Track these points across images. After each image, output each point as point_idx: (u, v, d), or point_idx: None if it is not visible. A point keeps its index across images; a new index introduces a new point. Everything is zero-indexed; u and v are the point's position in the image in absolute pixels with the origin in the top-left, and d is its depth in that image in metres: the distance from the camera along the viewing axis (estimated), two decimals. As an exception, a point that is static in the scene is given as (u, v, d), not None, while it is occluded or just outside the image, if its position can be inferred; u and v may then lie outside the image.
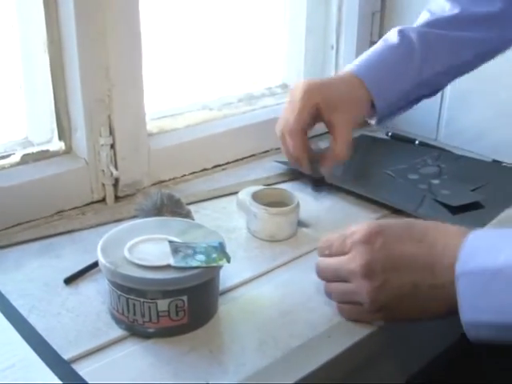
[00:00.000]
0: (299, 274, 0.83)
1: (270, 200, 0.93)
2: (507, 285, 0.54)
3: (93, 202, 1.00)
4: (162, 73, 1.21)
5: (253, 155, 1.22)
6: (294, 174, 1.13)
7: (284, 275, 0.83)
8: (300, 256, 0.88)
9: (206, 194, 1.04)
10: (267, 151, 1.24)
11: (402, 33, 1.01)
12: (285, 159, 1.17)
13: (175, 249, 0.70)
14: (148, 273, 0.67)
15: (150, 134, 1.07)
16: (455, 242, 0.60)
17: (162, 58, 1.21)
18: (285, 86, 1.41)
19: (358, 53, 1.35)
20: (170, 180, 1.09)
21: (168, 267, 0.68)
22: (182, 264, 0.67)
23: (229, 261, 0.70)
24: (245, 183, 1.08)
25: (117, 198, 1.02)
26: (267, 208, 0.89)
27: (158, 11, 1.17)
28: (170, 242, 0.72)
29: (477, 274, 0.56)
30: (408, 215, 0.97)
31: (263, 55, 1.41)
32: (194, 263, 0.68)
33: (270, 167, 1.17)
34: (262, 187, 0.98)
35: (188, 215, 0.89)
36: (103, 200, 1.01)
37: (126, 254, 0.70)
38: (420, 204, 1.02)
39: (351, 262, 0.67)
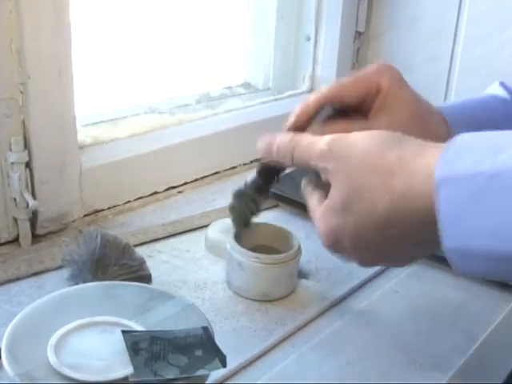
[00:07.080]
0: (310, 355, 0.56)
1: (258, 241, 0.66)
2: (509, 194, 0.37)
3: (0, 244, 0.72)
4: (99, 65, 0.95)
5: (216, 173, 0.96)
6: (274, 199, 0.85)
7: (286, 359, 0.56)
8: (306, 324, 0.61)
9: (161, 229, 0.76)
10: (234, 167, 0.99)
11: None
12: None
13: (134, 345, 0.42)
14: (89, 395, 0.39)
15: (82, 147, 0.80)
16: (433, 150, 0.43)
17: (101, 47, 0.94)
18: (248, 86, 1.15)
19: (342, 46, 1.11)
20: (108, 209, 0.83)
21: (125, 382, 0.39)
22: (148, 376, 0.39)
23: (224, 363, 0.42)
24: (211, 213, 0.81)
25: (35, 238, 0.75)
26: (260, 256, 0.61)
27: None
28: (125, 332, 0.43)
29: (465, 180, 0.39)
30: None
31: (222, 47, 1.16)
32: (169, 373, 0.40)
33: (240, 189, 0.90)
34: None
35: (141, 268, 0.62)
36: (15, 241, 0.74)
37: (51, 355, 0.41)
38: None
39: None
